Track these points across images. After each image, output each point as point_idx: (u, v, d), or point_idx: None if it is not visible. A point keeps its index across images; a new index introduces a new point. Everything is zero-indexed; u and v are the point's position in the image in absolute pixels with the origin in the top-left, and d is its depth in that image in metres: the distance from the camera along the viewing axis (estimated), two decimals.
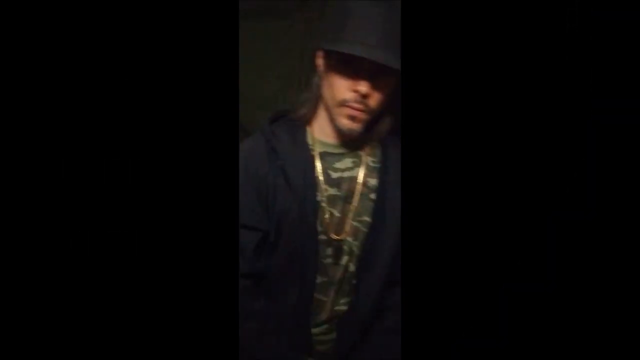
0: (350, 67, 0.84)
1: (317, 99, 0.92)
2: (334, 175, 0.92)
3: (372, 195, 0.92)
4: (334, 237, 0.90)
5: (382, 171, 0.93)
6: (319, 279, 0.91)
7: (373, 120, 0.90)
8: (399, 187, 0.88)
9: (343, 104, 0.86)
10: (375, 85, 0.85)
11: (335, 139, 0.93)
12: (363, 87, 0.83)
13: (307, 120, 0.94)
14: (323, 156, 0.92)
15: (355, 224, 0.92)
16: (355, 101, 0.85)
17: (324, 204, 0.90)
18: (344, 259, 0.92)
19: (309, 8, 1.23)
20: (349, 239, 0.91)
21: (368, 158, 0.94)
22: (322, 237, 0.91)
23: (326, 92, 0.89)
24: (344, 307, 0.94)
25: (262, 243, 0.91)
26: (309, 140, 0.93)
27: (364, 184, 0.92)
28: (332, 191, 0.91)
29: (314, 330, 0.94)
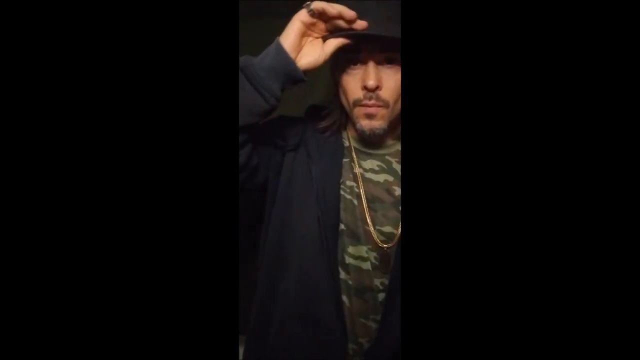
0: (356, 60, 0.84)
1: (340, 109, 0.91)
2: (356, 170, 0.90)
3: (399, 207, 0.88)
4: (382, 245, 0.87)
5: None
6: (342, 275, 0.88)
7: (397, 116, 0.88)
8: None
9: (357, 104, 0.85)
10: (385, 76, 0.83)
11: (362, 139, 0.92)
12: (370, 80, 0.82)
13: (338, 128, 0.93)
14: (355, 152, 0.92)
15: (375, 233, 0.88)
16: (368, 98, 0.84)
17: (346, 195, 0.89)
18: (366, 264, 0.88)
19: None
20: (365, 247, 0.88)
21: (399, 166, 0.90)
22: (343, 227, 0.88)
23: (343, 99, 0.88)
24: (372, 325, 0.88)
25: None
26: (345, 142, 0.93)
27: (390, 192, 0.89)
28: (349, 183, 0.90)
29: None
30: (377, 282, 0.87)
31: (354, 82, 0.84)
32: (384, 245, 0.87)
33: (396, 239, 0.87)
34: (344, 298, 0.87)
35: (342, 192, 0.89)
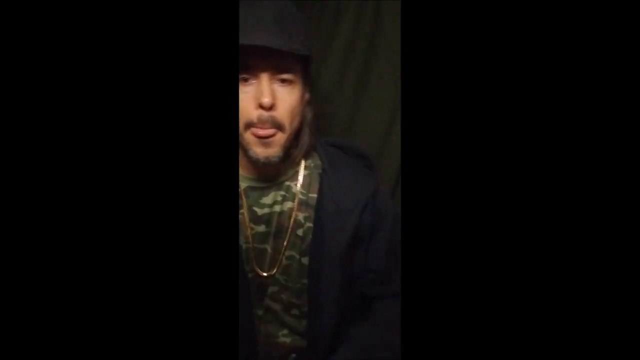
0: (246, 76, 0.77)
1: None
2: (260, 212, 0.87)
3: (299, 232, 0.87)
4: (261, 273, 0.88)
5: (316, 204, 0.87)
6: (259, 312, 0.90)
7: (291, 141, 0.84)
8: (338, 220, 0.86)
9: (250, 126, 0.79)
10: (279, 95, 0.78)
11: (256, 172, 0.87)
12: (265, 98, 0.76)
13: None
14: (247, 192, 0.87)
15: (286, 261, 0.88)
16: (261, 120, 0.77)
17: (249, 244, 0.86)
18: (272, 291, 0.89)
19: (309, 8, 1.23)
20: (279, 276, 0.88)
21: (298, 189, 0.88)
22: (250, 275, 0.88)
23: None
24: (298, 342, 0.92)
25: None
26: None
27: (293, 218, 0.87)
28: (260, 229, 0.87)
29: None
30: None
31: (245, 102, 0.78)
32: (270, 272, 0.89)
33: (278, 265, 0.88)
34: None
35: (244, 245, 0.87)
